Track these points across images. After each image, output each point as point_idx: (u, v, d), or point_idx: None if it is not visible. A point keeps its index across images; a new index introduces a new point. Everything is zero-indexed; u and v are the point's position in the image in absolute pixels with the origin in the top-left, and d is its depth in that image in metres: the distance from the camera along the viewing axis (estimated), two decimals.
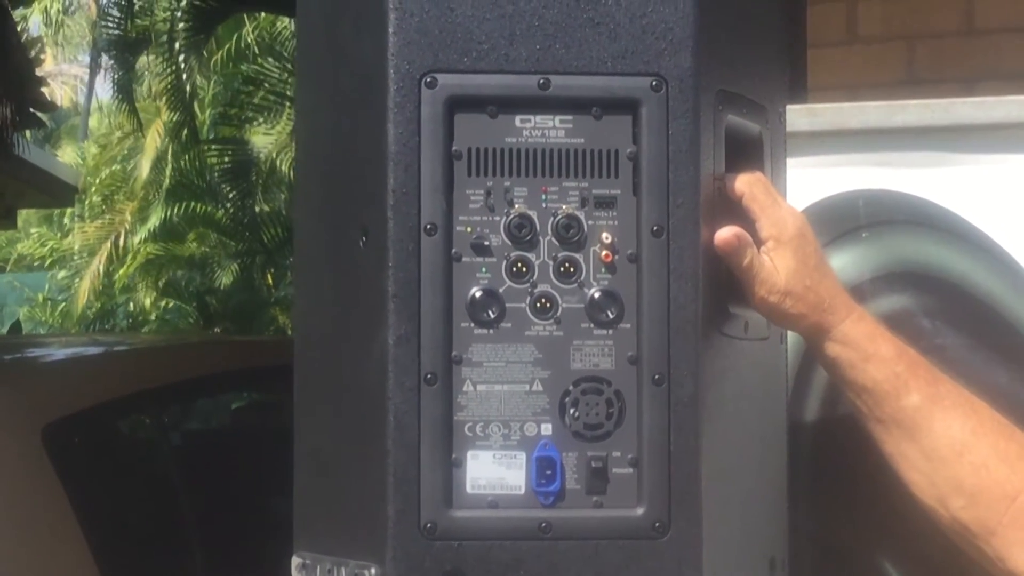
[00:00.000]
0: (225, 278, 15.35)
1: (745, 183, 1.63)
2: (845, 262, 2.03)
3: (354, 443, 1.59)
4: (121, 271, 16.53)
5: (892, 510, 1.93)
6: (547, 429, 1.55)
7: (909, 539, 1.95)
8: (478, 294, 1.55)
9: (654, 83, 1.56)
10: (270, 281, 15.26)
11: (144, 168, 15.38)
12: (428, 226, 1.54)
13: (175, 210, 15.59)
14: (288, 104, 13.64)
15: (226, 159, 14.06)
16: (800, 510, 1.85)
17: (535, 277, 1.56)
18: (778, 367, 1.76)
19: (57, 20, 17.30)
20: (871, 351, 1.64)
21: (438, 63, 1.55)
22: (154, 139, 15.03)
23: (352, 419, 1.59)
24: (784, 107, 1.79)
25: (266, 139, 14.34)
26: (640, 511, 1.54)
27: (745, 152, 1.67)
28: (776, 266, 1.62)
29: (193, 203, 15.46)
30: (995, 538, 1.61)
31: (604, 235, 1.56)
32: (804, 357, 1.93)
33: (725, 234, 1.60)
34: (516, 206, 1.56)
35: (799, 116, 2.04)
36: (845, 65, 3.86)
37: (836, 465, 2.00)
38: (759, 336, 1.69)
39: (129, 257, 16.36)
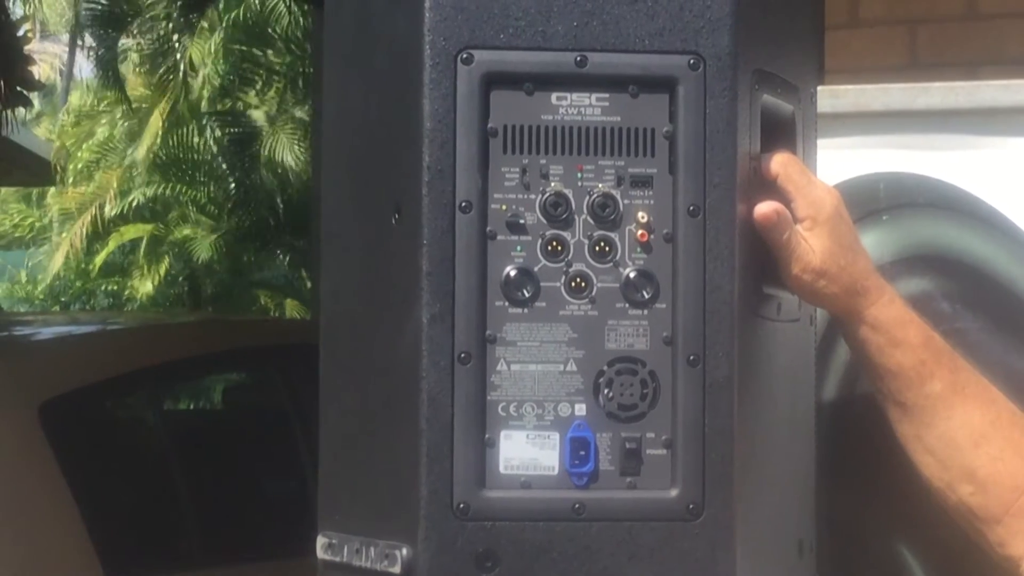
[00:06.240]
0: (204, 253, 15.28)
1: (779, 163, 1.62)
2: (865, 245, 2.02)
3: (385, 423, 1.57)
4: (100, 256, 16.43)
5: (909, 495, 1.93)
6: (581, 409, 1.53)
7: (926, 524, 1.94)
8: (512, 273, 1.53)
9: (692, 61, 1.55)
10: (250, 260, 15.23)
11: (143, 149, 15.28)
12: (463, 203, 1.52)
13: (160, 189, 15.54)
14: (276, 79, 13.62)
15: (228, 132, 14.09)
16: (819, 492, 1.85)
17: (570, 256, 1.54)
18: (807, 349, 1.75)
19: None
20: (899, 337, 1.65)
21: (474, 39, 1.53)
22: (157, 120, 14.92)
23: (383, 399, 1.58)
24: (815, 88, 1.78)
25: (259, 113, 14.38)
26: (674, 493, 1.53)
27: (778, 132, 1.66)
28: (812, 246, 1.61)
29: (179, 185, 15.43)
30: (1000, 526, 1.65)
31: (640, 214, 1.54)
32: (824, 339, 1.93)
33: (765, 209, 1.59)
34: (552, 184, 1.54)
35: (821, 98, 2.02)
36: (847, 49, 3.85)
37: (853, 448, 1.99)
38: (790, 318, 1.68)
39: (112, 240, 16.26)
